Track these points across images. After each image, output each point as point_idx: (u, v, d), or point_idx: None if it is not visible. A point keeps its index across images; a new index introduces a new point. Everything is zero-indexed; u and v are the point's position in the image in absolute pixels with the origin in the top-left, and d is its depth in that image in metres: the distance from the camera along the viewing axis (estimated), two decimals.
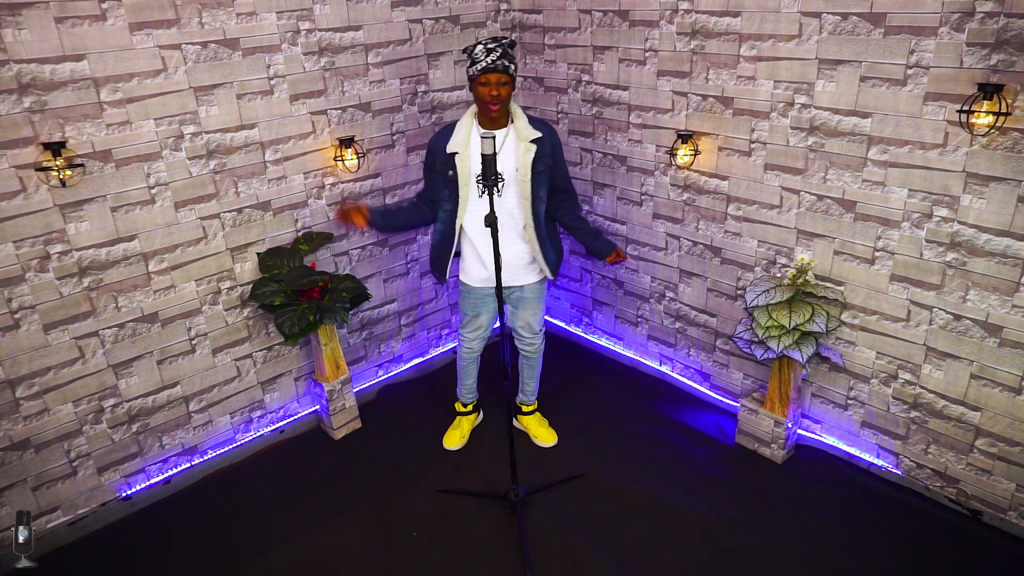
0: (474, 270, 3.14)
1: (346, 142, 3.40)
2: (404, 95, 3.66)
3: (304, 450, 3.63)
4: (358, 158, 3.47)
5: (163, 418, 3.27)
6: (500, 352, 2.92)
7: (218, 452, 3.51)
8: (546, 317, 4.63)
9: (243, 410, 3.54)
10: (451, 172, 2.95)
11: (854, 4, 2.69)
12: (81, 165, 2.74)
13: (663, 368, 4.06)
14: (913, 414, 3.05)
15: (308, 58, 3.26)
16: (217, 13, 2.94)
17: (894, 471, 3.19)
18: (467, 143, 2.91)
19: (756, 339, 3.12)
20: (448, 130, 2.98)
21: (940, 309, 2.82)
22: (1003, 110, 2.38)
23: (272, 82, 3.18)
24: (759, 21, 2.98)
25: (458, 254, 3.22)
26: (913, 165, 2.72)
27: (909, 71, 2.62)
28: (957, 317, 2.79)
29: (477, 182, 2.69)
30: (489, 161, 2.45)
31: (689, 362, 3.90)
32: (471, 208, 2.98)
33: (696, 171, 3.45)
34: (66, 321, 2.89)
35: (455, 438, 3.56)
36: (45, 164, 2.65)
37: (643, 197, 3.75)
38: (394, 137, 3.70)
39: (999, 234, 2.58)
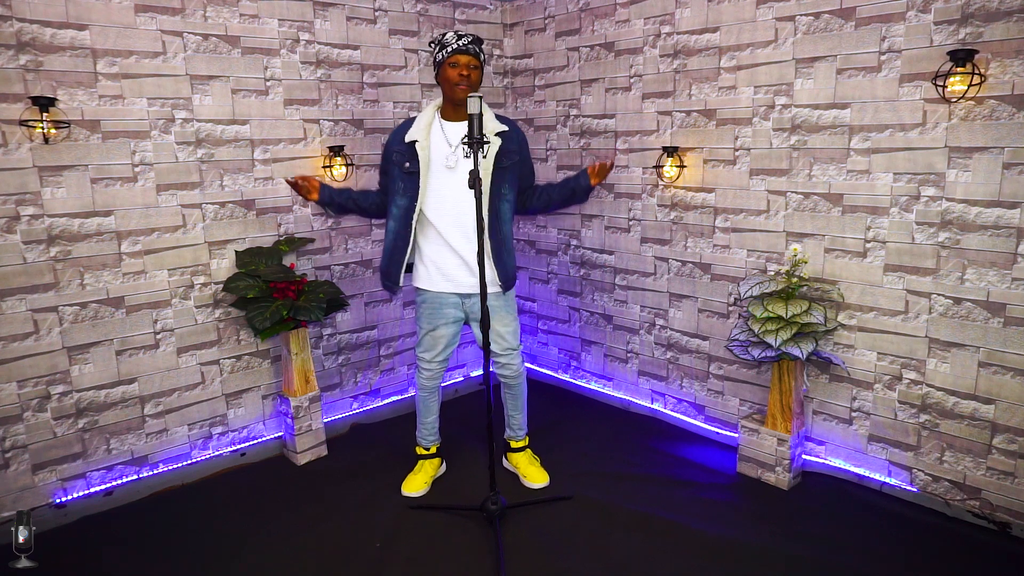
0: (432, 272, 2.92)
1: (336, 150, 3.44)
2: (397, 119, 3.76)
3: (265, 477, 3.30)
4: (347, 167, 3.50)
5: (114, 417, 3.01)
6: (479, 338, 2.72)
7: (170, 467, 3.20)
8: (532, 366, 4.48)
9: (203, 423, 3.28)
10: (408, 164, 2.82)
11: (825, 3, 2.85)
12: (67, 124, 2.74)
13: (655, 405, 3.84)
14: (923, 418, 2.84)
15: (305, 67, 3.38)
16: (221, 10, 3.08)
17: (909, 488, 2.92)
18: (427, 132, 2.82)
19: (753, 338, 2.98)
20: (406, 124, 2.90)
21: (938, 295, 2.73)
22: (977, 71, 2.45)
23: (268, 83, 3.27)
24: (737, 32, 3.14)
25: (410, 268, 3.02)
26: (895, 148, 2.75)
27: (882, 57, 2.73)
28: (957, 301, 2.68)
29: (462, 143, 2.67)
30: (475, 119, 2.44)
31: (682, 395, 3.70)
32: (432, 195, 2.83)
33: (682, 187, 3.47)
34: (25, 290, 2.74)
35: (416, 483, 3.11)
36: (30, 118, 2.64)
37: (631, 223, 3.75)
38: None
39: (989, 205, 2.56)
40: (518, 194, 3.00)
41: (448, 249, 2.87)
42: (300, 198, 3.43)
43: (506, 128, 2.86)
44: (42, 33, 2.67)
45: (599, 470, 3.29)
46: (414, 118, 2.92)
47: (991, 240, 2.57)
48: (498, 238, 2.89)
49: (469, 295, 2.94)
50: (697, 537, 2.72)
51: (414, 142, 2.82)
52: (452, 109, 2.83)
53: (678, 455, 3.44)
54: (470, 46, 2.74)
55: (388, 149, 2.94)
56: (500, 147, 2.83)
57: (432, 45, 2.84)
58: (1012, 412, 2.62)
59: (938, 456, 2.83)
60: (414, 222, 2.87)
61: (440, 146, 2.82)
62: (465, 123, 2.80)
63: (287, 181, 3.22)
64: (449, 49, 2.73)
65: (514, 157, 2.88)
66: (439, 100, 2.89)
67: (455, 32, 2.77)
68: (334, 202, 3.10)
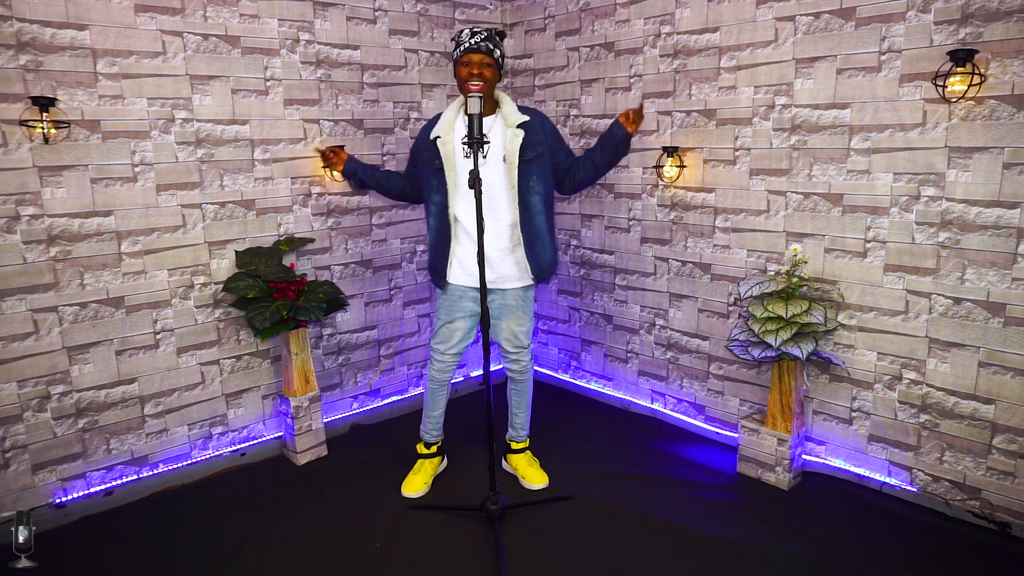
0: (454, 264, 2.95)
1: (336, 150, 3.44)
2: (397, 119, 3.77)
3: (265, 477, 3.30)
4: None
5: (114, 417, 3.01)
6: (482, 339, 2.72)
7: (170, 467, 3.20)
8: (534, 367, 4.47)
9: (203, 423, 3.28)
10: (437, 161, 2.86)
11: (825, 3, 2.85)
12: (67, 124, 2.74)
13: (655, 405, 3.84)
14: (923, 418, 2.84)
15: (305, 67, 3.38)
16: (221, 10, 3.08)
17: (909, 488, 2.92)
18: (451, 128, 2.84)
19: (753, 338, 2.98)
20: (433, 122, 2.95)
21: (938, 295, 2.73)
22: (977, 71, 2.45)
23: (268, 83, 3.27)
24: (737, 32, 3.14)
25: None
26: (895, 148, 2.75)
27: (883, 57, 2.73)
28: (957, 301, 2.68)
29: (462, 143, 2.67)
30: (475, 119, 2.45)
31: (682, 395, 3.70)
32: (460, 195, 2.85)
33: (682, 187, 3.47)
34: (25, 290, 2.74)
35: (416, 484, 3.10)
36: (30, 118, 2.64)
37: (631, 223, 3.75)
38: (384, 158, 3.75)
39: (989, 205, 2.56)
40: (563, 175, 2.97)
41: (471, 243, 2.86)
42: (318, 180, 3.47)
43: (527, 119, 2.83)
44: (42, 33, 2.67)
45: (599, 470, 3.29)
46: (440, 115, 2.93)
47: (991, 240, 2.57)
48: (531, 230, 2.89)
49: (489, 290, 2.94)
50: (697, 537, 2.72)
51: (438, 139, 2.84)
52: None
53: (678, 455, 3.44)
54: (482, 43, 2.72)
55: (417, 147, 2.99)
56: (524, 139, 2.81)
57: (452, 41, 2.85)
58: (1012, 412, 2.62)
59: (938, 456, 2.83)
60: (451, 218, 2.89)
61: (464, 141, 2.81)
62: (490, 119, 2.86)
63: (318, 149, 3.34)
64: (462, 48, 2.74)
65: (539, 148, 2.85)
66: (463, 97, 2.87)
67: (470, 28, 2.77)
68: (356, 176, 3.19)
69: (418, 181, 3.04)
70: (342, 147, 3.31)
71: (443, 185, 2.87)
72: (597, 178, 3.01)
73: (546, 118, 2.95)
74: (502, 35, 2.85)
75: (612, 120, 2.87)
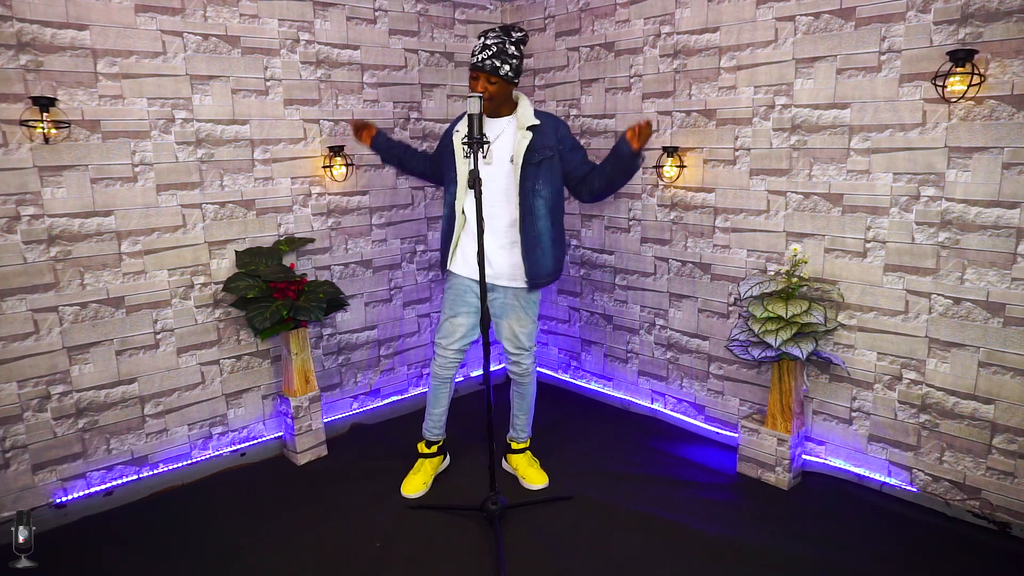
0: (458, 256, 2.97)
1: (336, 150, 3.44)
2: (397, 119, 3.77)
3: (265, 476, 3.30)
4: (347, 167, 3.50)
5: (114, 417, 3.01)
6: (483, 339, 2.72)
7: (170, 467, 3.20)
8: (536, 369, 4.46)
9: (203, 423, 3.28)
10: (455, 155, 2.92)
11: (825, 3, 2.85)
12: (67, 124, 2.74)
13: (655, 405, 3.84)
14: (923, 418, 2.84)
15: (305, 67, 3.38)
16: (221, 10, 3.08)
17: (909, 488, 2.92)
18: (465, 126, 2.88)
19: (753, 338, 2.98)
20: (459, 117, 3.02)
21: (938, 295, 2.73)
22: (977, 71, 2.45)
23: (268, 83, 3.27)
24: (737, 32, 3.14)
25: None
26: (895, 148, 2.75)
27: (882, 57, 2.73)
28: (957, 301, 2.68)
29: (463, 143, 2.67)
30: (474, 119, 2.45)
31: (682, 395, 3.70)
32: (465, 185, 2.87)
33: (683, 187, 3.47)
34: (25, 290, 2.74)
35: (415, 484, 3.10)
36: (31, 118, 2.64)
37: (631, 223, 3.75)
38: None
39: (989, 205, 2.56)
40: (579, 183, 2.94)
41: (476, 238, 2.85)
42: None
43: (537, 123, 2.83)
44: (42, 33, 2.67)
45: (599, 470, 3.29)
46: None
47: (991, 240, 2.57)
48: (532, 234, 2.88)
49: (491, 287, 2.97)
50: (697, 537, 2.73)
51: (456, 133, 2.91)
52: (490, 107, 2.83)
53: (678, 455, 3.44)
54: (487, 62, 2.73)
55: (444, 137, 3.09)
56: (531, 143, 2.81)
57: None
58: (1012, 412, 2.62)
59: (938, 456, 2.83)
60: (458, 211, 2.92)
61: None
62: (505, 120, 2.89)
63: (350, 121, 3.40)
64: (471, 62, 2.78)
65: (548, 152, 2.84)
66: None
67: (483, 41, 2.77)
68: (382, 150, 3.30)
69: (441, 169, 3.11)
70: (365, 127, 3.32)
71: (457, 178, 2.93)
72: (613, 190, 2.90)
73: (561, 123, 2.94)
74: (520, 41, 2.83)
75: (621, 135, 2.73)
